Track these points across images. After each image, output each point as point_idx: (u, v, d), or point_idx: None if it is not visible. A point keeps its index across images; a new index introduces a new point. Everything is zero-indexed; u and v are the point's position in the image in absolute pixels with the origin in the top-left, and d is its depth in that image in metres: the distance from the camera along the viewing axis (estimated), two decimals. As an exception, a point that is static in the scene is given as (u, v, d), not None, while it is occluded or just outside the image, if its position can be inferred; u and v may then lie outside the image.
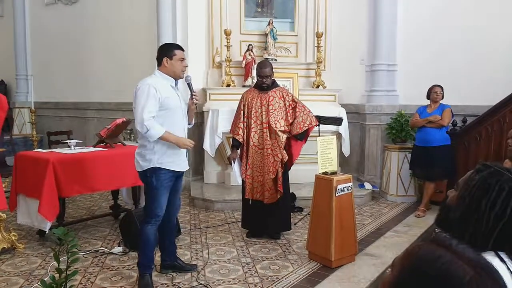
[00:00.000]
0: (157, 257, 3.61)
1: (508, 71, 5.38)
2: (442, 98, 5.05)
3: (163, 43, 3.60)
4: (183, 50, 3.27)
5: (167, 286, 3.25)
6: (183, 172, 3.35)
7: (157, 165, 3.11)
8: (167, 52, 3.19)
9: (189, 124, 3.40)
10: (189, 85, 3.35)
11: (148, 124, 2.99)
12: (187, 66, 3.28)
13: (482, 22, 5.65)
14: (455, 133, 5.33)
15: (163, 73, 3.19)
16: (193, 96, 3.34)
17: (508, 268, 1.12)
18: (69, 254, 2.30)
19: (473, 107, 5.58)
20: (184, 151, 3.28)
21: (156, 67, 3.24)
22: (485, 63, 5.65)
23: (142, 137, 3.14)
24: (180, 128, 3.23)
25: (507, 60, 5.50)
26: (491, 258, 1.14)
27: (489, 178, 1.20)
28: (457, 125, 5.44)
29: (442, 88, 5.04)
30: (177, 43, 3.49)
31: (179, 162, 3.24)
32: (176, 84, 3.26)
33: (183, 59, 3.22)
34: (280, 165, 4.11)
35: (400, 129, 5.76)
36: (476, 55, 5.70)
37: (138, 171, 3.23)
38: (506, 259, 1.14)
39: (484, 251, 1.16)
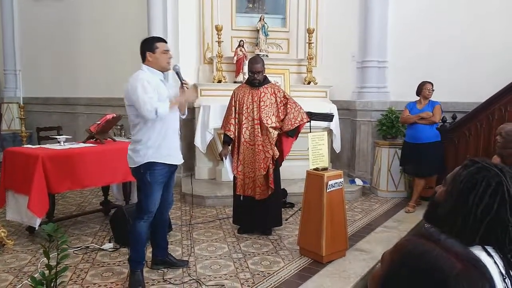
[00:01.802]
0: (148, 253, 3.61)
1: (498, 68, 5.44)
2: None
3: None
4: (165, 41, 3.23)
5: (158, 282, 3.25)
6: (176, 167, 3.33)
7: (152, 160, 3.08)
8: (148, 46, 3.15)
9: (182, 114, 3.38)
10: (178, 74, 3.28)
11: (153, 107, 2.96)
12: (171, 58, 3.23)
13: (473, 19, 5.70)
14: (445, 129, 5.38)
15: (150, 67, 3.16)
16: (184, 85, 3.27)
17: (495, 262, 1.14)
18: (59, 250, 2.29)
19: (463, 104, 5.64)
20: (178, 143, 3.27)
21: (142, 63, 3.19)
22: (475, 60, 5.70)
23: (137, 132, 3.10)
24: (172, 120, 3.21)
25: (497, 57, 5.55)
26: (478, 252, 1.16)
27: (476, 174, 1.22)
28: (447, 121, 5.49)
29: (432, 84, 5.07)
30: (159, 36, 3.41)
31: (176, 154, 3.23)
32: (164, 77, 3.24)
33: (166, 51, 3.17)
34: (271, 162, 4.12)
35: (390, 125, 5.80)
36: (466, 51, 5.75)
37: (131, 168, 3.19)
38: (493, 253, 1.16)
39: (472, 246, 1.18)
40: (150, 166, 3.10)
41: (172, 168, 3.26)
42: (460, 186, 1.22)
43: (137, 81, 3.04)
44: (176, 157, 3.25)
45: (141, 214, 3.17)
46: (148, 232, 3.50)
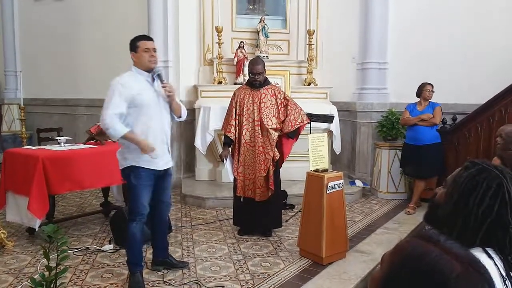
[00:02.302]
0: (149, 254, 3.61)
1: (498, 70, 5.44)
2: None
3: (154, 40, 3.51)
4: (148, 39, 3.14)
5: (158, 283, 3.25)
6: (166, 170, 3.26)
7: (133, 164, 3.06)
8: (131, 46, 3.11)
9: (178, 117, 3.30)
10: (159, 76, 3.13)
11: (108, 123, 2.92)
12: (154, 56, 3.10)
13: (473, 20, 5.71)
14: (445, 131, 5.38)
15: (138, 68, 3.10)
16: (163, 87, 3.12)
17: (495, 264, 1.14)
18: (59, 251, 2.29)
19: (463, 105, 5.64)
20: (164, 148, 3.18)
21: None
22: (476, 62, 5.70)
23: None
24: (158, 124, 3.11)
25: (497, 58, 5.56)
26: (478, 254, 1.16)
27: (477, 175, 1.21)
28: (447, 123, 5.49)
29: (433, 86, 5.07)
30: (145, 34, 3.30)
31: (157, 160, 3.12)
32: (154, 79, 3.13)
33: (148, 49, 3.07)
34: (271, 163, 4.12)
35: (390, 127, 5.80)
36: (466, 53, 5.76)
37: (120, 169, 3.19)
38: (493, 255, 1.16)
39: (472, 247, 1.18)
40: (133, 169, 3.08)
41: (159, 172, 3.19)
42: (461, 187, 1.22)
43: (113, 82, 3.03)
44: (158, 163, 3.14)
45: (132, 216, 3.15)
46: (149, 233, 3.51)
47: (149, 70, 3.12)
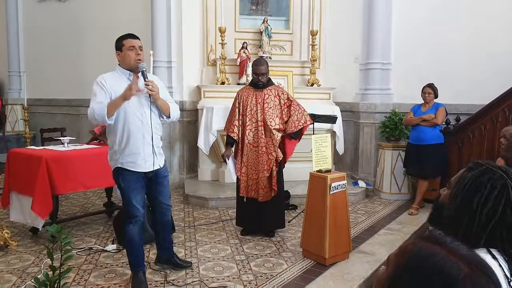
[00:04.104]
0: (151, 254, 3.61)
1: (502, 70, 5.43)
2: (436, 97, 5.08)
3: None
4: (135, 38, 3.05)
5: (161, 283, 3.25)
6: (157, 171, 3.16)
7: (119, 165, 3.04)
8: (116, 45, 3.05)
9: (167, 117, 3.17)
10: (143, 73, 3.00)
11: (92, 112, 2.87)
12: (139, 54, 3.01)
13: (477, 22, 5.70)
14: (448, 131, 5.36)
15: (121, 67, 3.07)
16: (146, 85, 2.96)
17: (500, 265, 1.14)
18: (63, 251, 2.29)
19: (467, 106, 5.62)
20: (147, 148, 3.04)
21: None
22: (479, 62, 5.69)
23: (108, 137, 3.10)
24: (138, 124, 3.00)
25: (501, 59, 5.54)
26: (483, 255, 1.15)
27: (481, 176, 1.21)
28: (451, 123, 5.48)
29: (433, 87, 5.06)
30: (131, 33, 3.13)
31: (140, 162, 3.03)
32: (138, 78, 2.99)
33: (133, 47, 3.00)
34: (274, 164, 4.12)
35: (394, 127, 5.78)
36: (470, 54, 5.74)
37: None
38: (497, 256, 1.16)
39: (477, 248, 1.18)
40: (119, 171, 3.04)
41: (147, 174, 3.10)
42: (465, 188, 1.21)
43: (94, 82, 3.00)
44: (141, 165, 3.04)
45: (127, 218, 3.12)
46: (152, 234, 3.51)
47: (133, 69, 3.04)
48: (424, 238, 0.79)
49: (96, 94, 2.96)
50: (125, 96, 2.88)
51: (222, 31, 6.13)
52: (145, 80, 2.99)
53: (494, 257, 1.15)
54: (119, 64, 3.10)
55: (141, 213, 3.12)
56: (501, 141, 3.42)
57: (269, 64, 4.42)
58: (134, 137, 3.01)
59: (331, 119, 5.05)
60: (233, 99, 4.33)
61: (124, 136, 3.00)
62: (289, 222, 4.63)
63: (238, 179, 4.23)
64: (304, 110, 4.20)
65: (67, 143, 4.43)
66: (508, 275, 1.12)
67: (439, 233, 0.80)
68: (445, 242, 0.76)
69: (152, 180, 3.19)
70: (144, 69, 3.02)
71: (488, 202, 1.18)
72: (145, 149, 3.06)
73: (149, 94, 3.02)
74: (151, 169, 3.12)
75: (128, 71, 3.06)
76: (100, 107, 2.88)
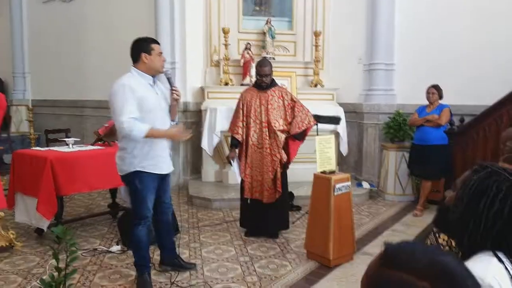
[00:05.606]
0: (156, 255, 3.62)
1: (506, 71, 5.40)
2: (441, 98, 5.07)
3: (160, 41, 3.50)
4: (159, 43, 3.14)
5: (166, 284, 3.26)
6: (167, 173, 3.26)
7: (138, 169, 3.01)
8: (145, 47, 3.02)
9: (172, 121, 3.23)
10: (169, 79, 3.16)
11: (128, 126, 2.84)
12: (165, 61, 3.15)
13: (480, 22, 5.67)
14: (452, 132, 5.34)
15: (141, 70, 3.03)
16: (173, 91, 3.11)
17: (506, 268, 1.14)
18: (68, 252, 2.30)
19: (471, 107, 5.60)
20: (167, 152, 3.18)
21: (132, 65, 3.08)
22: (483, 63, 5.66)
23: (122, 140, 3.04)
24: (162, 128, 3.06)
25: (505, 60, 5.51)
26: (489, 257, 1.15)
27: (486, 179, 1.21)
28: (455, 124, 5.46)
29: (437, 88, 5.05)
30: (153, 38, 3.26)
31: (161, 165, 3.11)
32: (155, 82, 3.10)
33: (161, 53, 3.08)
34: (279, 165, 4.12)
35: (397, 128, 5.77)
36: (474, 54, 5.71)
37: (120, 175, 3.13)
38: (503, 259, 1.16)
39: (483, 251, 1.17)
40: (138, 174, 3.03)
41: (162, 175, 3.18)
42: (471, 191, 1.21)
43: (119, 86, 2.91)
44: (163, 167, 3.14)
45: (137, 219, 3.13)
46: (154, 235, 3.51)
47: (155, 74, 3.09)
48: (379, 261, 0.79)
49: (127, 102, 2.87)
50: (172, 137, 3.10)
51: (225, 32, 6.13)
52: (172, 86, 3.14)
53: (500, 259, 1.15)
54: (138, 67, 3.05)
55: (151, 214, 3.16)
56: (507, 144, 3.38)
57: (273, 65, 4.42)
58: (159, 140, 3.08)
59: (335, 120, 5.04)
60: (237, 100, 4.33)
61: (149, 140, 2.99)
62: (293, 223, 4.63)
63: (242, 180, 4.23)
64: (308, 111, 4.20)
65: (72, 144, 4.44)
66: (515, 277, 1.12)
67: (395, 249, 0.80)
68: (401, 263, 0.75)
69: (161, 181, 3.23)
70: (170, 76, 3.16)
71: (494, 204, 1.17)
72: (165, 151, 3.17)
73: (175, 99, 3.15)
74: (168, 171, 3.24)
75: (150, 76, 3.06)
76: (139, 129, 2.86)
